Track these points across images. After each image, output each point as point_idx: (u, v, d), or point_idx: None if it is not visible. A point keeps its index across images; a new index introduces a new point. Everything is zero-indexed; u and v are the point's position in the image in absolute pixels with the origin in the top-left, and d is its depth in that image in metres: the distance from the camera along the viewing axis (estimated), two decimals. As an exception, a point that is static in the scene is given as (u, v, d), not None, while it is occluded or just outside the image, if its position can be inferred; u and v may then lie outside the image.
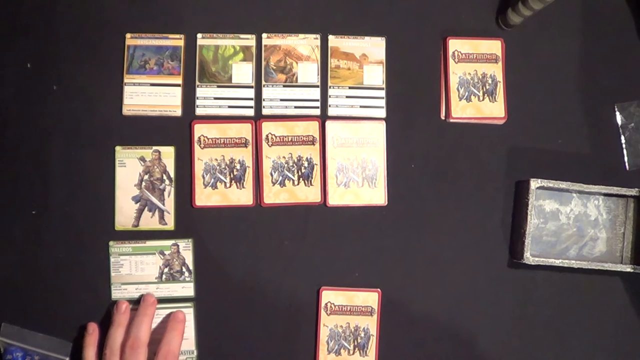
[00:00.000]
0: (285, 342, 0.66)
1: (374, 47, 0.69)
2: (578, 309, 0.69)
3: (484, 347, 0.68)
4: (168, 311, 0.65)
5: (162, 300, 0.65)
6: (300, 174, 0.67)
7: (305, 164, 0.67)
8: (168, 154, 0.66)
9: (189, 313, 0.65)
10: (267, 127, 0.67)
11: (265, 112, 0.67)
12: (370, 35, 0.69)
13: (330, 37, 0.68)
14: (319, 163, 0.67)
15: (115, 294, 0.65)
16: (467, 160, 0.68)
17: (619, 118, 0.70)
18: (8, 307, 0.64)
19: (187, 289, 0.66)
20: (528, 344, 0.68)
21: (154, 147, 0.66)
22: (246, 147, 0.66)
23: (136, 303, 0.65)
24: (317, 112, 0.68)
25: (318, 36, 0.68)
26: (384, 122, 0.68)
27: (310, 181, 0.67)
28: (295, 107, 0.67)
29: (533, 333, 0.68)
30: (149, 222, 0.66)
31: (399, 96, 0.68)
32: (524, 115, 0.69)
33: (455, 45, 0.69)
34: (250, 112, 0.67)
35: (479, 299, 0.68)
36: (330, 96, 0.68)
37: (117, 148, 0.66)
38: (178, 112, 0.67)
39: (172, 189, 0.66)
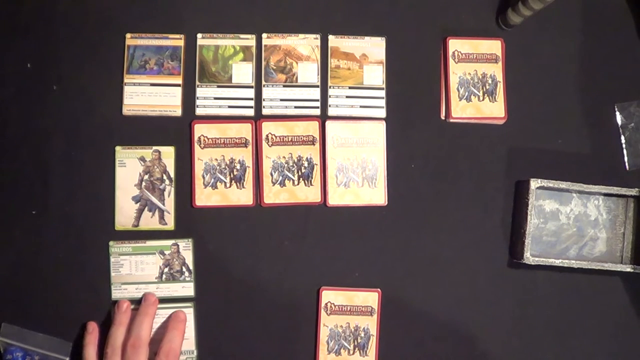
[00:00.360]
0: (285, 342, 0.66)
1: (374, 47, 0.69)
2: (578, 309, 0.69)
3: (484, 347, 0.68)
4: (168, 311, 0.65)
5: (162, 300, 0.65)
6: (300, 174, 0.67)
7: (305, 164, 0.67)
8: (168, 154, 0.66)
9: (189, 313, 0.65)
10: (267, 127, 0.67)
11: (265, 112, 0.67)
12: (370, 35, 0.69)
13: (330, 37, 0.68)
14: (319, 163, 0.67)
15: (116, 294, 0.65)
16: (467, 160, 0.68)
17: (619, 118, 0.70)
18: (8, 307, 0.64)
19: (187, 288, 0.66)
20: (528, 344, 0.68)
21: (154, 147, 0.66)
22: (246, 147, 0.66)
23: (137, 303, 0.65)
24: (317, 112, 0.68)
25: (318, 36, 0.68)
26: (384, 122, 0.68)
27: (310, 181, 0.67)
28: (295, 107, 0.67)
29: (533, 333, 0.68)
30: (149, 222, 0.66)
31: (399, 96, 0.68)
32: (524, 115, 0.69)
33: (455, 45, 0.69)
34: (250, 112, 0.67)
35: (479, 299, 0.68)
36: (330, 96, 0.68)
37: (117, 148, 0.66)
38: (178, 112, 0.67)
39: (172, 189, 0.66)
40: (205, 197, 0.66)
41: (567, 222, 0.69)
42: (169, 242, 0.66)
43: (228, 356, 0.66)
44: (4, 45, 0.66)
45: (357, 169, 0.67)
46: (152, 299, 0.64)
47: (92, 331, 0.63)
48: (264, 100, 0.67)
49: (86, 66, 0.66)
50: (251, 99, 0.67)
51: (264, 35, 0.68)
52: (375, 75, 0.68)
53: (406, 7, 0.69)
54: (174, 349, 0.61)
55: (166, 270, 0.65)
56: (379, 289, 0.66)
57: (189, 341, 0.65)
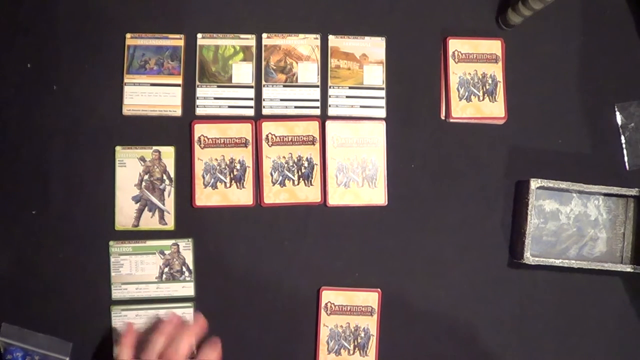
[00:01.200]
0: (285, 342, 0.66)
1: (374, 47, 0.69)
2: (578, 309, 0.69)
3: (484, 347, 0.68)
4: (168, 311, 0.65)
5: (162, 300, 0.65)
6: (300, 174, 0.67)
7: (305, 164, 0.67)
8: (168, 154, 0.66)
9: (188, 313, 0.65)
10: (267, 127, 0.67)
11: (265, 112, 0.67)
12: (370, 35, 0.69)
13: (330, 37, 0.68)
14: (319, 163, 0.67)
15: (116, 293, 0.65)
16: (467, 160, 0.68)
17: (619, 118, 0.70)
18: (8, 307, 0.64)
19: (187, 288, 0.66)
20: (528, 344, 0.68)
21: (154, 147, 0.66)
22: (246, 147, 0.66)
23: (136, 303, 0.65)
24: (317, 112, 0.68)
25: (318, 36, 0.68)
26: (384, 122, 0.68)
27: (310, 181, 0.67)
28: (295, 107, 0.67)
29: (533, 333, 0.68)
30: (149, 222, 0.66)
31: (399, 96, 0.68)
32: (524, 115, 0.69)
33: (455, 45, 0.69)
34: (250, 112, 0.67)
35: (479, 299, 0.68)
36: (330, 96, 0.68)
37: (117, 148, 0.66)
38: (178, 112, 0.67)
39: (172, 189, 0.66)
40: (205, 197, 0.66)
41: (567, 222, 0.69)
42: (169, 242, 0.66)
43: (228, 356, 0.66)
44: (4, 45, 0.66)
45: (357, 169, 0.67)
46: (202, 323, 0.63)
47: (131, 332, 0.62)
48: (264, 100, 0.67)
49: (86, 66, 0.66)
50: (251, 99, 0.67)
51: (264, 35, 0.68)
52: (375, 75, 0.68)
53: (406, 7, 0.69)
54: None
55: (166, 270, 0.65)
56: (379, 289, 0.66)
57: (189, 341, 0.65)
